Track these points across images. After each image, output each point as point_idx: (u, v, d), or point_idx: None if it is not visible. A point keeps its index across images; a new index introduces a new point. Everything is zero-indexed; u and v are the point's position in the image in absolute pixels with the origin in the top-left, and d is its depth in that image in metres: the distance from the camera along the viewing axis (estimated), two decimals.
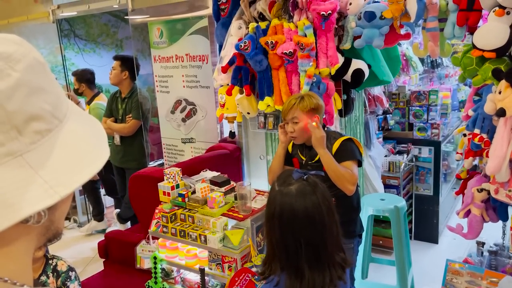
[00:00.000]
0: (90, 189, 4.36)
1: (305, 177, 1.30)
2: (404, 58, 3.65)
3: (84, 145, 0.53)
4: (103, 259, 3.08)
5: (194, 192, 2.43)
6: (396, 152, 3.85)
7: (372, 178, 3.50)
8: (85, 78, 4.24)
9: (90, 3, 3.86)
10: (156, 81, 3.61)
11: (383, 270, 3.25)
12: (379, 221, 3.55)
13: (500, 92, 1.83)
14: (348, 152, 2.17)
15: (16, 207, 0.45)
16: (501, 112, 1.80)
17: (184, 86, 3.42)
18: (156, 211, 2.47)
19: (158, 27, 3.45)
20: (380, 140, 3.76)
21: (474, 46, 1.97)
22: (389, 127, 3.80)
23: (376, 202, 2.96)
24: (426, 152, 3.79)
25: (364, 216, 2.93)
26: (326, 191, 1.30)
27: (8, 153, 0.46)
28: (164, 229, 2.40)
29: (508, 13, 1.86)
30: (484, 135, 2.00)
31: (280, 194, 1.27)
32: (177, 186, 2.50)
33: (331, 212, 1.27)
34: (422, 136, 3.77)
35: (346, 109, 2.71)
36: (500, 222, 2.23)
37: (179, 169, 2.52)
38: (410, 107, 3.79)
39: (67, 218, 5.09)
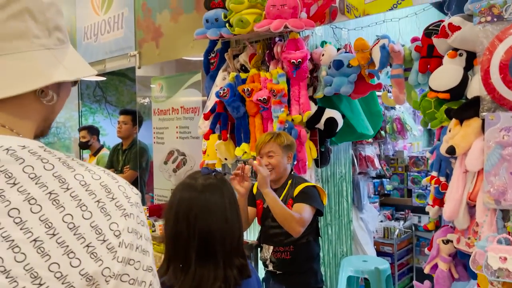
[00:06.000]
0: None
1: (213, 174, 1.28)
2: (400, 122, 3.61)
3: (82, 58, 0.76)
4: None
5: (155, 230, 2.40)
6: (394, 218, 3.65)
7: (363, 243, 3.30)
8: (97, 131, 4.51)
9: (106, 64, 4.21)
10: (154, 133, 3.75)
11: None
12: None
13: (450, 130, 1.76)
14: (307, 196, 2.09)
15: (49, 76, 0.66)
16: (451, 150, 1.71)
17: (177, 137, 3.52)
18: None
19: (159, 82, 3.67)
20: (376, 205, 3.60)
21: (430, 89, 1.95)
22: (385, 192, 3.65)
23: (358, 263, 2.76)
24: (426, 220, 3.56)
25: (343, 277, 2.72)
26: (233, 189, 1.29)
27: (41, 44, 0.67)
28: None
29: (460, 54, 1.85)
30: (442, 178, 1.89)
31: (182, 186, 1.25)
32: None
33: (235, 211, 1.24)
34: (421, 203, 3.58)
35: (322, 160, 2.66)
36: None
37: (146, 207, 2.52)
38: (408, 173, 3.66)
39: None
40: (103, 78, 6.01)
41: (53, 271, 0.59)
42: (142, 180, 3.94)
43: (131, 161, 3.87)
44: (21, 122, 0.67)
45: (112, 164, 4.06)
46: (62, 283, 0.59)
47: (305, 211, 2.00)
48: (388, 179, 3.69)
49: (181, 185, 1.27)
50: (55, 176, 0.62)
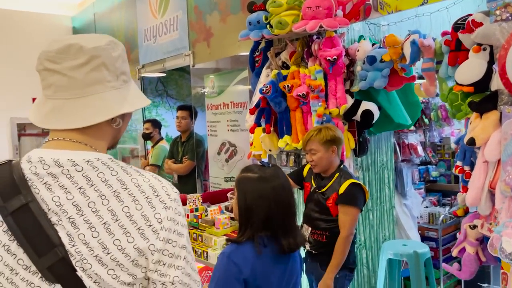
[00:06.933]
0: None
1: (270, 165, 1.66)
2: (445, 109, 3.62)
3: (139, 91, 1.03)
4: None
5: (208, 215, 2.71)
6: (441, 204, 3.70)
7: (407, 228, 3.41)
8: (159, 125, 4.94)
9: (165, 63, 4.60)
10: (208, 126, 4.08)
11: None
12: None
13: (471, 123, 1.86)
14: (352, 197, 2.29)
15: (117, 109, 0.93)
16: (471, 141, 1.82)
17: (228, 130, 3.81)
18: None
19: (211, 79, 3.98)
20: (422, 192, 3.67)
21: (456, 82, 2.04)
22: (430, 178, 3.71)
23: (398, 246, 2.90)
24: (474, 207, 3.57)
25: (383, 260, 2.88)
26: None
27: (112, 86, 0.93)
28: None
29: (484, 49, 1.93)
30: (466, 167, 1.99)
31: (269, 178, 1.60)
32: (196, 209, 2.80)
33: None
34: None
35: (360, 149, 2.81)
36: None
37: (200, 195, 2.83)
38: (455, 159, 3.67)
39: None
40: (164, 74, 6.48)
41: (116, 245, 0.87)
42: (199, 169, 4.31)
43: (189, 152, 4.23)
44: (98, 142, 0.94)
45: (173, 155, 4.46)
46: (122, 253, 0.87)
47: (350, 217, 2.28)
48: (434, 166, 3.73)
49: (266, 178, 1.60)
50: (118, 180, 0.90)
